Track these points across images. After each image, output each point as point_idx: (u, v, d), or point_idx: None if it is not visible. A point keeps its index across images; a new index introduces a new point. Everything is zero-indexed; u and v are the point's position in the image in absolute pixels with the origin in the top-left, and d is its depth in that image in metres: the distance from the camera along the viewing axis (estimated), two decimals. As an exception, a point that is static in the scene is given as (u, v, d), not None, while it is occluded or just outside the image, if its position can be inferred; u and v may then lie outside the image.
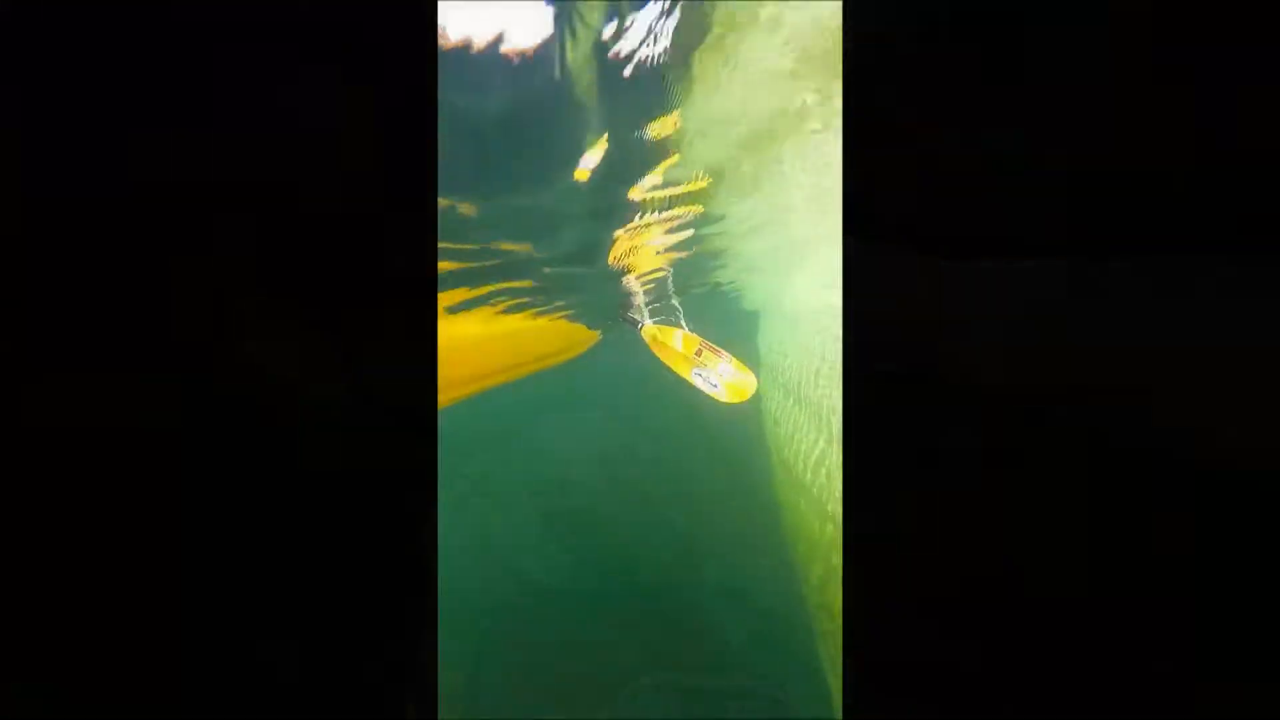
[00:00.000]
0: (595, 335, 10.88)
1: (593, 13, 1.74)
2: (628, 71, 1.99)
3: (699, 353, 5.58)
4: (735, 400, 5.27)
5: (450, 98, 1.81)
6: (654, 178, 3.19)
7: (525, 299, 6.13)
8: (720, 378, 5.39)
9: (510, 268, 4.60)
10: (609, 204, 3.46)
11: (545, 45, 1.77)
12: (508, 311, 6.30)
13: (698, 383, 5.46)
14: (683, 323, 6.10)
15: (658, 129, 2.56)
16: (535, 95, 2.02)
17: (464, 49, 1.68)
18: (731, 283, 8.11)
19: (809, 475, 7.35)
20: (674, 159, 2.95)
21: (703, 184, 3.47)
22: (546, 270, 5.06)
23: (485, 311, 5.99)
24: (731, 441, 11.42)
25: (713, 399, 5.28)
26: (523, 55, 1.76)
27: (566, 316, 8.12)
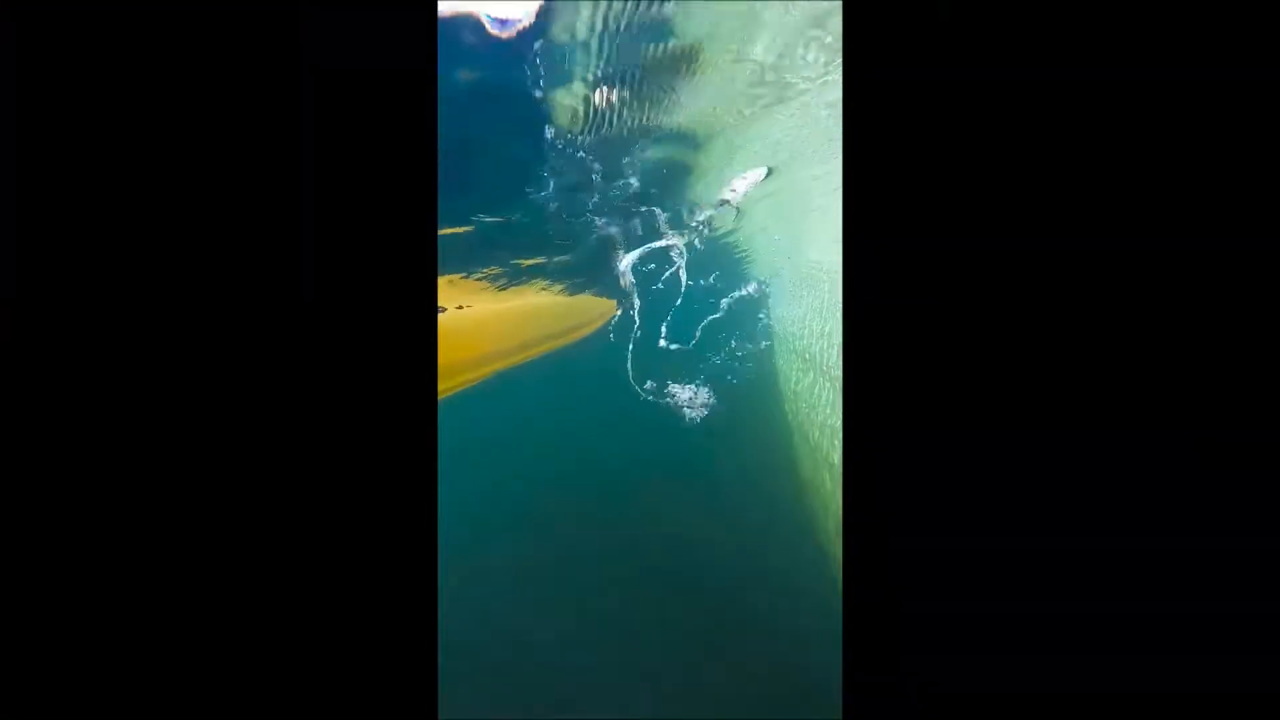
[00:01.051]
0: (612, 306, 10.68)
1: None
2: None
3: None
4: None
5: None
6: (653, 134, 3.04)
7: (530, 271, 5.92)
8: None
9: (508, 235, 4.46)
10: (603, 159, 3.33)
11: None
12: (511, 286, 6.11)
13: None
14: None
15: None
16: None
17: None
18: (734, 232, 7.66)
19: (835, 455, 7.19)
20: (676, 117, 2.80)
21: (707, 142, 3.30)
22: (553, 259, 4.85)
23: (486, 287, 5.82)
24: (752, 420, 11.29)
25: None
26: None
27: (580, 289, 7.95)
